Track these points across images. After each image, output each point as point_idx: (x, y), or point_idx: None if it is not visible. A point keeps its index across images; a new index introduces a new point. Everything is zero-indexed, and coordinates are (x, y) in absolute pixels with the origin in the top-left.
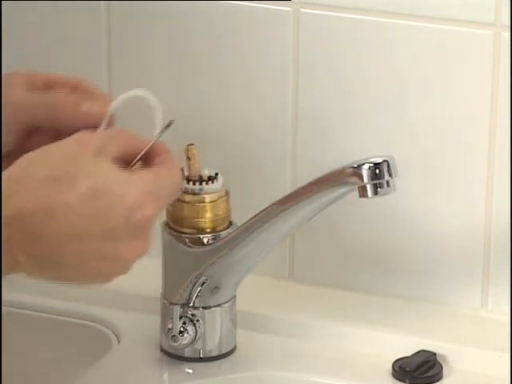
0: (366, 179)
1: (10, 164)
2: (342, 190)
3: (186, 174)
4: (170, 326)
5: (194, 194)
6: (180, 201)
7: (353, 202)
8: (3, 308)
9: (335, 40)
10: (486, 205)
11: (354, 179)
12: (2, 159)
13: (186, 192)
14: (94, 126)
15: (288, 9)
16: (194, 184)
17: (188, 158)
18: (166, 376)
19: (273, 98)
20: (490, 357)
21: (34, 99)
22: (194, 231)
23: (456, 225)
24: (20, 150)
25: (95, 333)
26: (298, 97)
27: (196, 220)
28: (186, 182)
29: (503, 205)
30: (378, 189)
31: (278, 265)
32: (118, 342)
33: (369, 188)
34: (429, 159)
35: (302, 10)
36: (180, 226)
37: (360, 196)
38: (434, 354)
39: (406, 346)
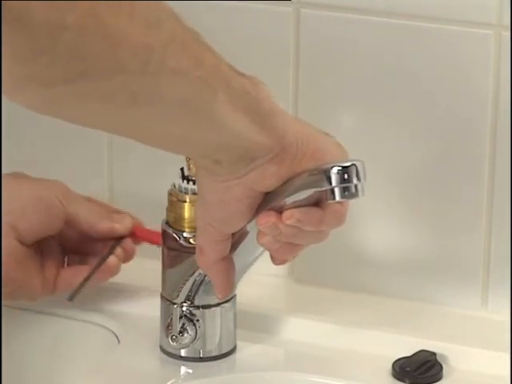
0: (334, 182)
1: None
2: (311, 192)
3: (186, 173)
4: (169, 326)
5: (194, 193)
6: (180, 201)
7: (353, 202)
8: (3, 308)
9: (335, 40)
10: (486, 204)
11: (323, 182)
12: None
13: (185, 192)
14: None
15: (288, 9)
16: (194, 184)
17: (188, 158)
18: (166, 376)
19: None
20: (490, 357)
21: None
22: (193, 231)
23: (456, 224)
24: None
25: (95, 333)
26: (298, 97)
27: None
28: (186, 182)
29: (503, 204)
30: (346, 192)
31: None
32: (118, 342)
33: (337, 191)
34: (428, 159)
35: (302, 9)
36: (180, 225)
37: (328, 199)
38: (434, 353)
39: (406, 346)
